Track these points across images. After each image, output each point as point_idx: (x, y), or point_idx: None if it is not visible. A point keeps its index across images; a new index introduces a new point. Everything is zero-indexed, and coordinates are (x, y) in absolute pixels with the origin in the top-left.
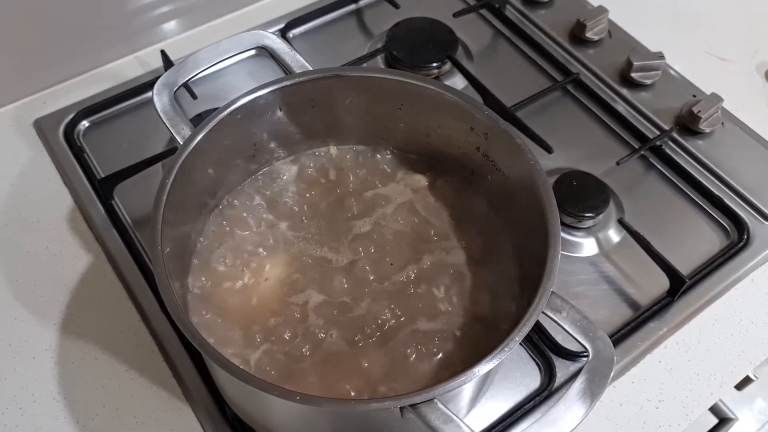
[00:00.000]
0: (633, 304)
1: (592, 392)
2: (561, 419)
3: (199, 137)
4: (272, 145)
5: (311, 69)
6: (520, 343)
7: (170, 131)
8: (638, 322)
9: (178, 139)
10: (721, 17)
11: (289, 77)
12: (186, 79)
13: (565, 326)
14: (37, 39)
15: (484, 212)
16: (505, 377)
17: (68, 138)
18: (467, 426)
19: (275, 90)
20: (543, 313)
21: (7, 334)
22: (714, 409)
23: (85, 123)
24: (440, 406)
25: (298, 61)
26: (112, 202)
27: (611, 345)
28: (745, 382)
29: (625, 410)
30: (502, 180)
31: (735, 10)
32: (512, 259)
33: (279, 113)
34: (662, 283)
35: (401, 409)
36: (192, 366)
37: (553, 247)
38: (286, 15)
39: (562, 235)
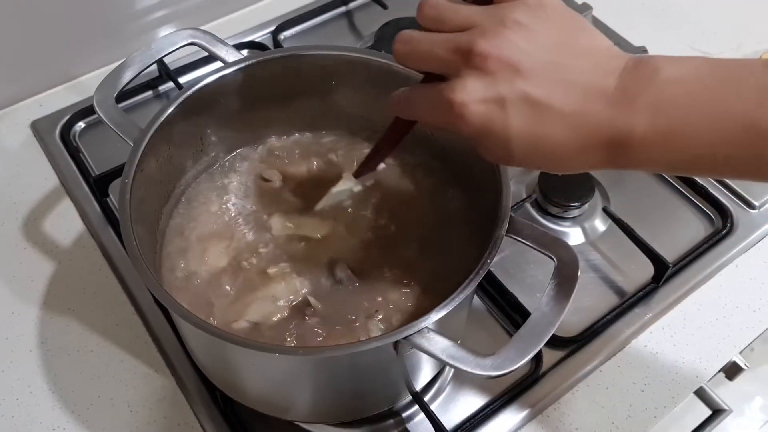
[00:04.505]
0: (619, 291)
1: (564, 294)
2: (539, 325)
3: (149, 134)
4: (228, 133)
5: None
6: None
7: (122, 138)
8: (624, 308)
9: (130, 143)
10: (705, 12)
11: (234, 62)
12: (123, 85)
13: (528, 243)
14: (34, 44)
15: (457, 197)
16: None
17: (64, 139)
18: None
19: (220, 77)
20: (506, 235)
21: (5, 328)
22: (707, 402)
23: (80, 124)
24: (433, 334)
25: (232, 52)
26: (107, 199)
27: (572, 249)
28: (736, 370)
29: (611, 393)
30: (471, 160)
31: (718, 5)
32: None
33: (231, 101)
34: (647, 270)
35: (395, 344)
36: (185, 356)
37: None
38: (278, 17)
39: (549, 225)
